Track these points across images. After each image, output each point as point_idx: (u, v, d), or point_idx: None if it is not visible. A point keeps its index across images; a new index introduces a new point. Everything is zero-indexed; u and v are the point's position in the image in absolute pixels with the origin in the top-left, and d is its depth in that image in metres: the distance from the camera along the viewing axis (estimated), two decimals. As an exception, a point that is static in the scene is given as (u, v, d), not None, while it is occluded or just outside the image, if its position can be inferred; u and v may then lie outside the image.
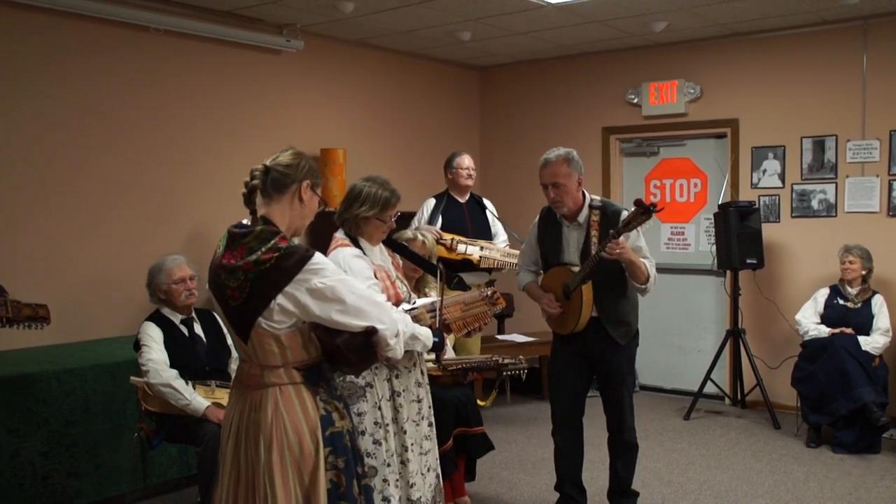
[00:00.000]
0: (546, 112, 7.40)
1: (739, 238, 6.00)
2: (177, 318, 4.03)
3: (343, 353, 2.36)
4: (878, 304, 5.51)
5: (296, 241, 2.41)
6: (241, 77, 5.76)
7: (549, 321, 4.01)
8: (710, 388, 6.29)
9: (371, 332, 2.36)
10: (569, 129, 7.11)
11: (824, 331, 5.49)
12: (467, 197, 5.63)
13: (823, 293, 5.71)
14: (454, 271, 5.16)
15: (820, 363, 5.34)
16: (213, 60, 5.57)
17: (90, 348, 4.63)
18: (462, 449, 4.19)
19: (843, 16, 5.86)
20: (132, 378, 3.91)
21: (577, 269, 3.75)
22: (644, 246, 3.79)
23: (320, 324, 2.35)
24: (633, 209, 3.44)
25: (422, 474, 3.33)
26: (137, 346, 3.89)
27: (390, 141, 6.87)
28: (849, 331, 5.41)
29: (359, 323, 2.34)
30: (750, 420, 6.09)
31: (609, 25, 6.09)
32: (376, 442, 3.16)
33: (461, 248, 5.32)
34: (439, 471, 3.47)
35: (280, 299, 2.28)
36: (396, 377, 3.27)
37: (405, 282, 3.50)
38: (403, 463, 3.24)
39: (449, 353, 4.23)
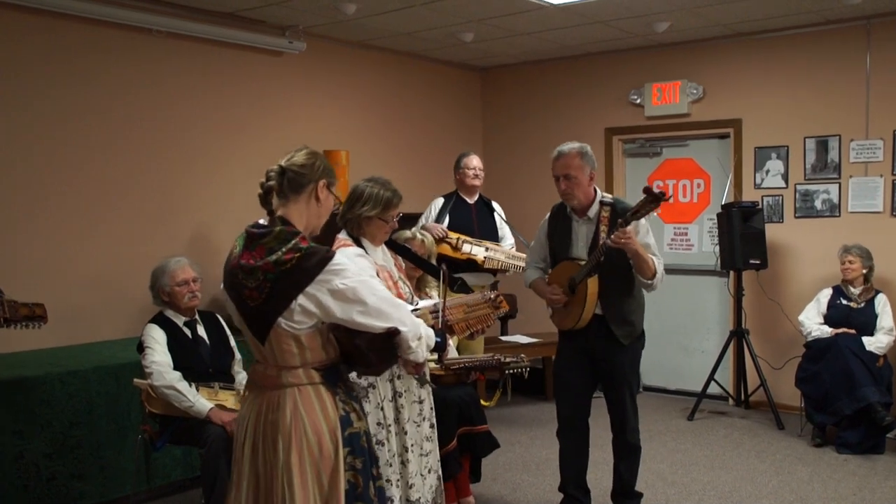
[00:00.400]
0: (549, 113, 7.40)
1: (743, 238, 6.00)
2: (180, 321, 4.04)
3: (364, 353, 2.35)
4: (882, 304, 5.50)
5: None
6: (242, 79, 5.77)
7: (552, 317, 4.01)
8: (713, 389, 6.28)
9: (393, 334, 2.35)
10: (572, 130, 7.07)
11: (827, 331, 5.49)
12: (476, 198, 5.64)
13: (826, 293, 5.70)
14: (458, 271, 5.16)
15: (824, 363, 5.33)
16: (215, 62, 5.58)
17: (94, 350, 4.64)
18: (466, 448, 4.19)
19: (846, 16, 5.85)
20: (136, 380, 3.92)
21: (584, 262, 3.76)
22: (653, 243, 3.79)
23: (339, 325, 2.34)
24: (642, 197, 3.43)
25: (421, 475, 3.33)
26: (141, 348, 3.90)
27: (393, 142, 6.88)
28: (851, 331, 5.40)
29: (380, 324, 2.33)
30: (754, 420, 6.08)
31: (611, 26, 6.08)
32: (379, 442, 3.17)
33: (466, 248, 5.32)
34: (440, 472, 3.47)
35: (301, 300, 2.27)
36: (398, 378, 3.27)
37: (408, 283, 3.51)
38: (403, 463, 3.25)
39: (452, 354, 4.23)
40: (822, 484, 4.71)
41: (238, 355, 4.19)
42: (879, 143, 5.90)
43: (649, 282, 3.74)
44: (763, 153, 6.40)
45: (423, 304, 3.34)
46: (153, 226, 5.25)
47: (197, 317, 4.12)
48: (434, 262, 4.32)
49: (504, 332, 6.96)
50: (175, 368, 3.83)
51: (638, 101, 6.89)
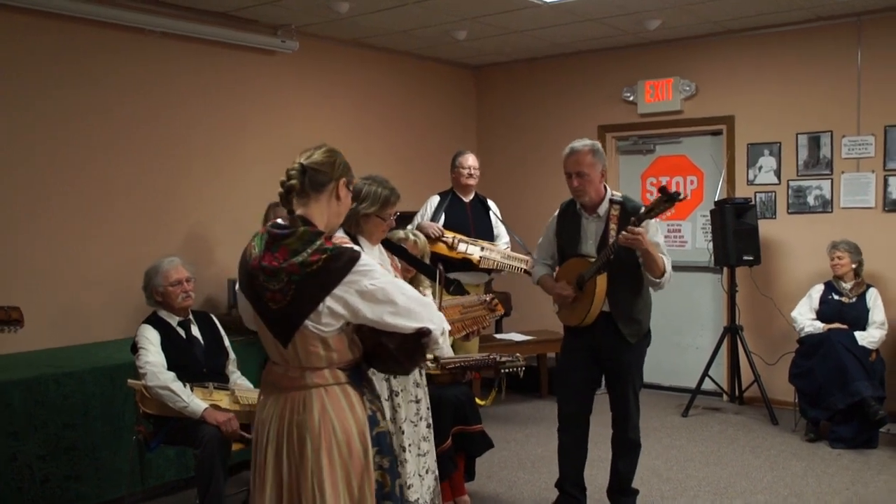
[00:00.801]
0: (542, 111, 7.41)
1: (736, 235, 6.01)
2: (174, 321, 4.03)
3: (392, 353, 2.30)
4: (873, 298, 5.52)
5: None
6: (236, 79, 5.76)
7: (559, 313, 4.01)
8: (707, 385, 6.30)
9: (424, 333, 2.29)
10: (565, 128, 7.10)
11: (819, 326, 5.51)
12: (471, 197, 5.65)
13: (818, 289, 5.72)
14: (453, 270, 5.15)
15: (817, 359, 5.35)
16: (208, 62, 5.57)
17: (89, 351, 4.63)
18: (461, 447, 4.19)
19: (837, 12, 5.87)
20: (130, 381, 3.90)
21: (593, 259, 3.76)
22: (662, 242, 3.80)
23: (366, 325, 2.29)
24: (656, 196, 3.43)
25: (420, 476, 3.32)
26: (135, 348, 3.88)
27: (387, 141, 6.87)
28: (843, 326, 5.42)
29: (411, 324, 2.27)
30: (748, 416, 6.10)
31: (604, 23, 6.09)
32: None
33: (462, 247, 5.33)
34: (437, 473, 3.47)
35: (329, 301, 2.22)
36: (394, 376, 3.27)
37: (403, 283, 3.50)
38: (401, 464, 3.24)
39: (448, 353, 4.23)
40: (815, 478, 4.73)
41: (232, 355, 4.18)
42: (871, 138, 5.92)
43: (658, 280, 3.74)
44: (756, 149, 6.42)
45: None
46: (153, 226, 5.25)
47: (191, 317, 4.11)
48: (427, 262, 4.31)
49: (499, 330, 6.96)
50: (169, 369, 3.81)
51: (631, 98, 6.90)
